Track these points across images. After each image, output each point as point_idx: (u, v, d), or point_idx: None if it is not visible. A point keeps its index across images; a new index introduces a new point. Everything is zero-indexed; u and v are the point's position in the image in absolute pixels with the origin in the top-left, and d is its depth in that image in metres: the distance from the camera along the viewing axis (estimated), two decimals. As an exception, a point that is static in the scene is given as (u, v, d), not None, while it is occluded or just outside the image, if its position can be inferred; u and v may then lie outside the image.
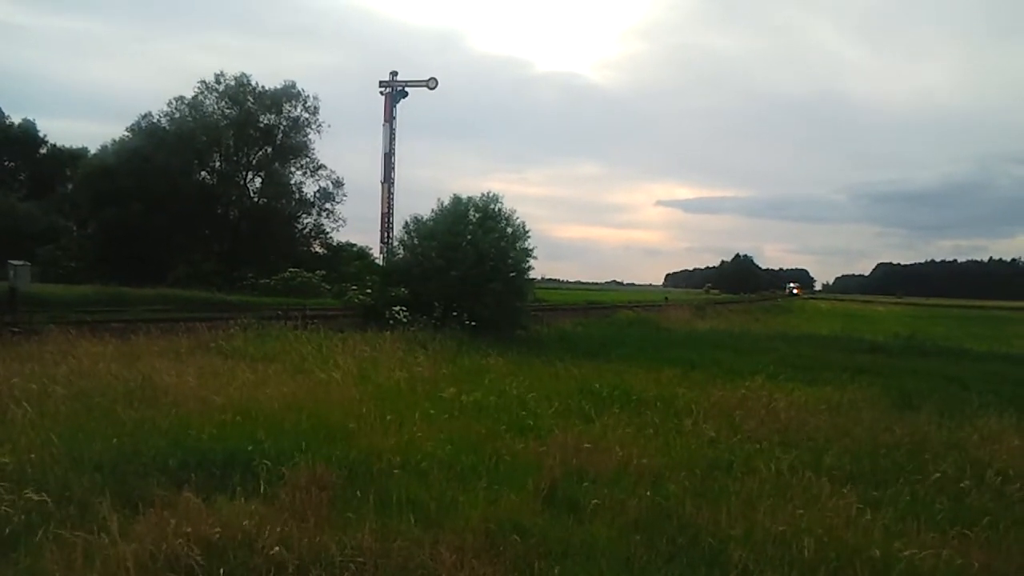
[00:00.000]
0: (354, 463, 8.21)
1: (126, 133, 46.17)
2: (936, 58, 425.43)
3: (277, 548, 5.63)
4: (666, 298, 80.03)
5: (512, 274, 27.06)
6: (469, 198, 28.43)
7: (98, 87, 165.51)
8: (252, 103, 46.82)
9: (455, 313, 24.50)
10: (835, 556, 6.20)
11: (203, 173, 47.48)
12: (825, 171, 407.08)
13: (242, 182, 47.92)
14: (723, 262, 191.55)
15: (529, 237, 28.32)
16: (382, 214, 42.72)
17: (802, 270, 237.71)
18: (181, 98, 46.33)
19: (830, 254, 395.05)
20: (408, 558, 5.80)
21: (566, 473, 8.32)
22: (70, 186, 50.61)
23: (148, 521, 6.01)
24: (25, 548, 5.57)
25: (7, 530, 5.78)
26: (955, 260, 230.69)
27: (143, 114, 46.26)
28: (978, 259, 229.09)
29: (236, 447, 8.31)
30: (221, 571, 5.26)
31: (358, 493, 7.16)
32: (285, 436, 9.06)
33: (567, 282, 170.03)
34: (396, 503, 6.95)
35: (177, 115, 46.02)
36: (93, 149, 50.38)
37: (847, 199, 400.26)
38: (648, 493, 7.62)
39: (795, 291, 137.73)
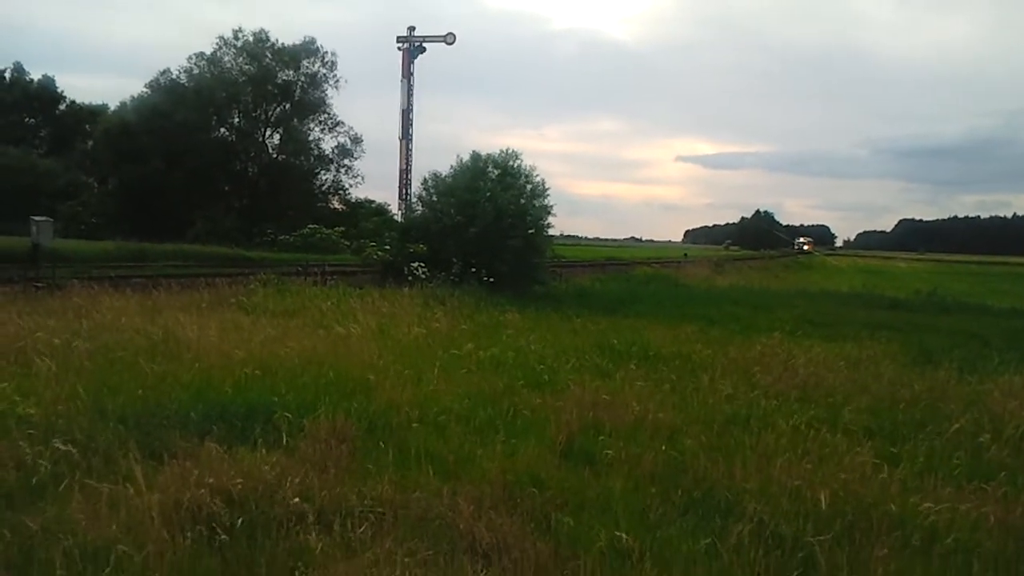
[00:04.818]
0: (373, 416, 8.29)
1: (145, 89, 46.18)
2: (961, 11, 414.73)
3: (298, 499, 5.71)
4: (685, 254, 79.64)
5: (530, 231, 27.00)
6: (488, 155, 28.41)
7: (116, 43, 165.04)
8: (270, 59, 46.49)
9: (473, 269, 24.54)
10: (851, 510, 6.19)
11: (222, 129, 47.44)
12: (848, 126, 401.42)
13: (261, 138, 47.79)
14: (743, 218, 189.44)
15: (548, 194, 28.33)
16: (400, 170, 42.64)
17: (823, 226, 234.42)
18: (200, 54, 46.15)
19: (852, 210, 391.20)
20: (427, 509, 5.87)
21: (583, 427, 8.36)
22: (90, 142, 50.70)
23: (171, 472, 6.11)
24: (52, 497, 5.68)
25: (35, 480, 5.90)
26: (978, 216, 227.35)
27: (162, 70, 46.20)
28: (1001, 215, 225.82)
29: (257, 400, 8.41)
30: (242, 521, 5.34)
31: (378, 445, 7.25)
32: (305, 389, 9.16)
33: (586, 238, 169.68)
34: (415, 455, 7.03)
35: (196, 71, 45.83)
36: (113, 105, 50.54)
37: (869, 154, 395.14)
38: (664, 447, 7.65)
39: (806, 247, 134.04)
